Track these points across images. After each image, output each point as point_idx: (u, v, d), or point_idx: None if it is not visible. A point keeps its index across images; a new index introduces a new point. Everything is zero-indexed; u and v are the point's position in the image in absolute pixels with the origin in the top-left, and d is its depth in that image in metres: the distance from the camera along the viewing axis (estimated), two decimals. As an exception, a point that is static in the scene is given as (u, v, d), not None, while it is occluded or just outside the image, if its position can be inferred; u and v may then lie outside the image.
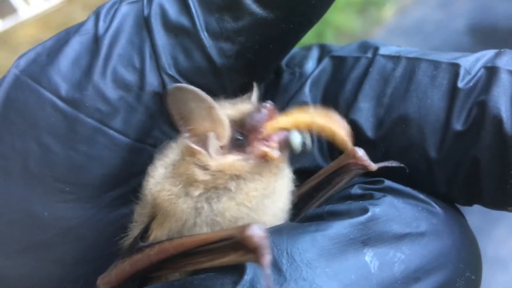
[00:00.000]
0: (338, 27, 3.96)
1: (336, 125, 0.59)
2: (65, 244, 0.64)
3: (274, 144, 0.61)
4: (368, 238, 0.55)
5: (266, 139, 0.61)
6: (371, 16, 4.17)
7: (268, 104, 0.62)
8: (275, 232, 0.56)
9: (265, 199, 0.62)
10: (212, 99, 0.59)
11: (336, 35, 3.94)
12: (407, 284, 0.54)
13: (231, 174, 0.60)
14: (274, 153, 0.60)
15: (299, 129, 0.61)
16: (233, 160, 0.61)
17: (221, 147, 0.61)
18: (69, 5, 3.59)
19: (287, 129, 0.61)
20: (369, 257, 0.54)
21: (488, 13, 4.05)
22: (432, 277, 0.56)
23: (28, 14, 3.46)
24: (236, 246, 0.50)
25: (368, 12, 4.18)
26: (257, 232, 0.48)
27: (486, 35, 3.87)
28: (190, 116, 0.59)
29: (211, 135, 0.60)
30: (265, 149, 0.60)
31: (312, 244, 0.54)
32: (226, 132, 0.61)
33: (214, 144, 0.60)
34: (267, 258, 0.47)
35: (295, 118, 0.61)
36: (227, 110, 0.63)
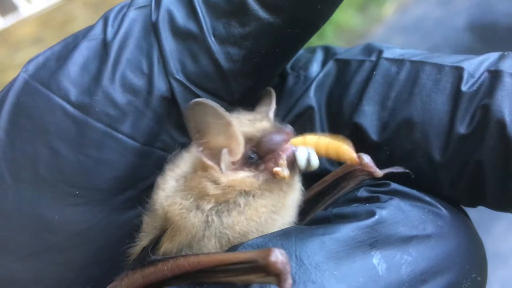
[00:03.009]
0: (339, 24, 3.96)
1: (341, 143, 0.61)
2: (74, 247, 0.65)
3: (283, 161, 0.62)
4: (375, 241, 0.56)
5: (276, 158, 0.62)
6: (372, 14, 4.17)
7: (288, 129, 0.64)
8: (283, 235, 0.57)
9: (274, 214, 0.63)
10: (230, 115, 0.59)
11: (337, 33, 3.94)
12: (414, 286, 0.54)
13: (241, 189, 0.61)
14: (285, 172, 0.61)
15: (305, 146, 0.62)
16: (244, 176, 0.62)
17: (233, 162, 0.62)
18: (69, 3, 3.58)
19: (293, 146, 0.62)
20: (377, 259, 0.54)
21: (488, 11, 4.05)
22: (439, 279, 0.56)
23: (29, 12, 3.45)
24: (256, 269, 0.51)
25: (369, 10, 4.18)
26: (280, 258, 0.49)
27: (486, 32, 3.87)
28: (207, 131, 0.60)
29: (225, 151, 0.61)
30: (277, 168, 0.61)
31: (321, 247, 0.54)
32: (240, 149, 0.62)
33: (226, 160, 0.61)
34: (288, 283, 0.48)
35: (305, 139, 0.63)
36: (244, 127, 0.64)
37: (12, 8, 3.41)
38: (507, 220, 2.67)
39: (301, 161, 0.62)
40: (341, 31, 3.99)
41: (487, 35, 3.85)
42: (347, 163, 0.64)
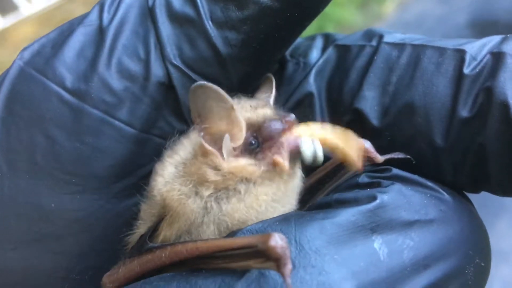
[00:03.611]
0: (339, 22, 3.96)
1: (349, 145, 0.60)
2: (72, 235, 0.64)
3: (286, 153, 0.60)
4: (376, 225, 0.55)
5: (279, 148, 0.61)
6: (372, 11, 4.17)
7: (291, 118, 0.62)
8: (283, 220, 0.56)
9: (274, 203, 0.62)
10: (232, 100, 0.58)
11: (337, 30, 3.94)
12: (417, 271, 0.53)
13: (242, 176, 0.60)
14: (285, 163, 0.60)
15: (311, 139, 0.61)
16: (245, 164, 0.61)
17: (234, 149, 0.61)
18: (70, 2, 3.59)
19: (299, 137, 0.61)
20: (378, 244, 0.53)
21: (488, 8, 4.05)
22: (442, 264, 0.55)
23: (29, 12, 3.46)
24: (255, 254, 0.50)
25: (369, 7, 4.18)
26: (280, 243, 0.48)
27: (487, 29, 3.87)
28: (208, 115, 0.59)
29: (226, 136, 0.60)
30: (278, 159, 0.60)
31: (321, 231, 0.53)
32: (242, 135, 0.60)
33: (228, 146, 0.60)
34: (288, 268, 0.47)
35: (311, 131, 0.62)
36: (246, 113, 0.63)
37: (13, 7, 3.41)
38: (509, 217, 2.66)
39: (307, 156, 0.61)
40: (342, 28, 3.99)
41: (488, 32, 3.82)
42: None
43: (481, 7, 4.09)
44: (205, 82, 0.57)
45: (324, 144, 0.61)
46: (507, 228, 2.65)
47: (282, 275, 0.47)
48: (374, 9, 4.18)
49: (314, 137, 0.61)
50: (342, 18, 3.94)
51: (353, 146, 0.60)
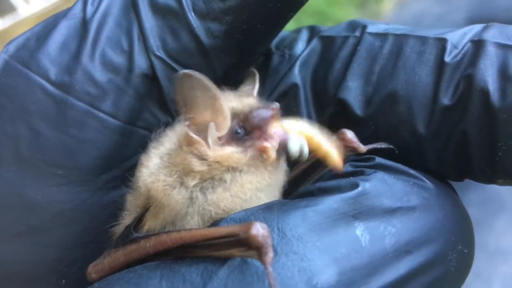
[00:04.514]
0: (338, 21, 3.94)
1: (332, 147, 0.61)
2: (59, 228, 0.64)
3: (275, 143, 0.61)
4: (358, 213, 0.55)
5: (267, 136, 0.61)
6: (370, 10, 4.16)
7: (275, 105, 0.63)
8: (266, 208, 0.56)
9: (259, 192, 0.62)
10: (217, 89, 0.58)
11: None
12: (398, 257, 0.54)
13: (228, 165, 0.61)
14: (272, 152, 0.61)
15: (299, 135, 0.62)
16: (231, 152, 0.61)
17: (219, 138, 0.61)
18: (68, 3, 3.58)
19: (287, 132, 0.62)
20: (360, 230, 0.54)
21: (487, 6, 4.03)
22: (424, 250, 0.56)
23: (27, 13, 3.45)
24: (238, 243, 0.50)
25: (367, 6, 4.17)
26: (261, 232, 0.48)
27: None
28: (193, 104, 0.59)
29: (211, 125, 0.60)
30: (267, 145, 0.61)
31: (303, 219, 0.54)
32: (227, 124, 0.61)
33: (213, 134, 0.60)
34: (269, 257, 0.48)
35: (298, 126, 0.63)
36: (231, 102, 0.63)
37: (11, 9, 3.41)
38: (508, 216, 2.64)
39: (293, 152, 0.62)
40: (341, 28, 3.98)
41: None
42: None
43: (479, 5, 4.07)
44: (190, 71, 0.57)
45: (309, 142, 0.62)
46: (506, 226, 2.63)
47: (263, 263, 0.48)
48: (372, 8, 4.17)
49: (302, 135, 0.62)
50: (340, 17, 3.93)
51: (336, 148, 0.61)
